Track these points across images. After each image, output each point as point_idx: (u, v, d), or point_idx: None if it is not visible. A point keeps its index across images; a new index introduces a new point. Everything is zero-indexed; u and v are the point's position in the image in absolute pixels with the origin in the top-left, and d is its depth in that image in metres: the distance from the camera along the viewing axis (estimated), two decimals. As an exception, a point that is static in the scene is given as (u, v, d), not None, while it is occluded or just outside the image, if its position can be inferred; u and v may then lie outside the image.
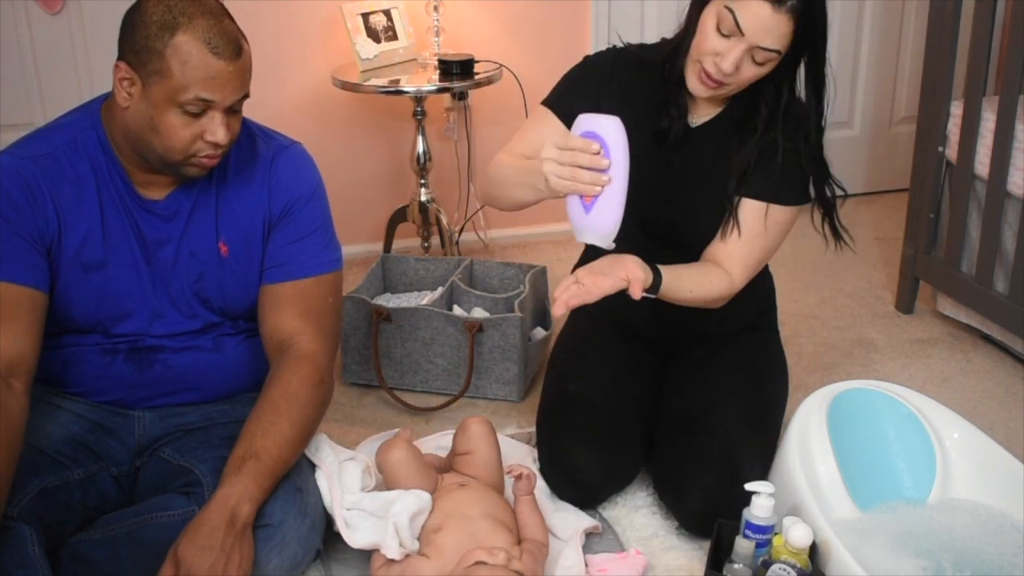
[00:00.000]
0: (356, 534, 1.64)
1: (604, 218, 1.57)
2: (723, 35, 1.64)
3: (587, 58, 1.91)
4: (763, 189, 1.80)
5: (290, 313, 1.71)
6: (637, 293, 1.63)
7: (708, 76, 1.69)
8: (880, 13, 3.55)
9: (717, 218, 1.82)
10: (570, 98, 1.84)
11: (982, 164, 2.49)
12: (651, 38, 1.85)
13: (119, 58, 1.56)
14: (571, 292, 1.62)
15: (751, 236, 1.81)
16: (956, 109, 2.57)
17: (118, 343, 1.68)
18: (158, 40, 1.51)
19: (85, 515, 1.62)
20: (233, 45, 1.54)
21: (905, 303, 2.81)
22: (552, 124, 1.84)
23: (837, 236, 1.85)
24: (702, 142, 1.84)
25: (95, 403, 1.71)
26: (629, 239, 1.67)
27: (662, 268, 1.72)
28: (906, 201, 2.80)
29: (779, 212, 1.81)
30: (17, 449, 1.47)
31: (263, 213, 1.72)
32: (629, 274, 1.64)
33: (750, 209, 1.81)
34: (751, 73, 1.68)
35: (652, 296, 1.71)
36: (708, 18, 1.66)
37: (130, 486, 1.71)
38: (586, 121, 1.58)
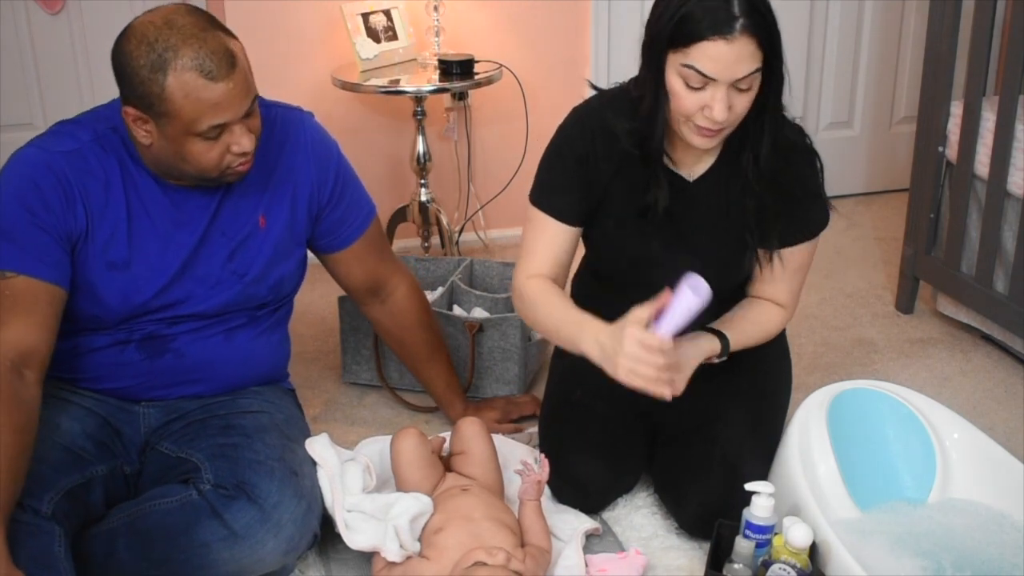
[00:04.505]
0: (356, 536, 1.64)
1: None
2: (696, 89, 1.56)
3: (563, 140, 1.76)
4: (785, 235, 1.75)
5: (376, 260, 1.98)
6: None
7: (706, 129, 1.61)
8: (880, 13, 3.55)
9: (745, 267, 1.79)
10: (564, 200, 1.75)
11: (982, 164, 2.49)
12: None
13: (124, 103, 1.56)
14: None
15: (789, 273, 1.79)
16: (956, 109, 2.57)
17: (133, 331, 1.69)
18: (153, 84, 1.50)
19: (96, 513, 1.63)
20: (225, 61, 1.51)
21: (905, 303, 2.81)
22: (556, 230, 1.76)
23: None
24: (704, 196, 1.76)
25: (102, 394, 1.71)
26: None
27: (727, 332, 1.74)
28: (906, 201, 2.79)
29: (809, 242, 1.78)
30: (32, 437, 1.47)
31: (313, 184, 1.81)
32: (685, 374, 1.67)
33: (777, 254, 1.77)
34: (743, 104, 1.59)
35: (725, 359, 1.75)
36: (674, 81, 1.58)
37: (135, 483, 1.72)
38: (680, 312, 1.54)
